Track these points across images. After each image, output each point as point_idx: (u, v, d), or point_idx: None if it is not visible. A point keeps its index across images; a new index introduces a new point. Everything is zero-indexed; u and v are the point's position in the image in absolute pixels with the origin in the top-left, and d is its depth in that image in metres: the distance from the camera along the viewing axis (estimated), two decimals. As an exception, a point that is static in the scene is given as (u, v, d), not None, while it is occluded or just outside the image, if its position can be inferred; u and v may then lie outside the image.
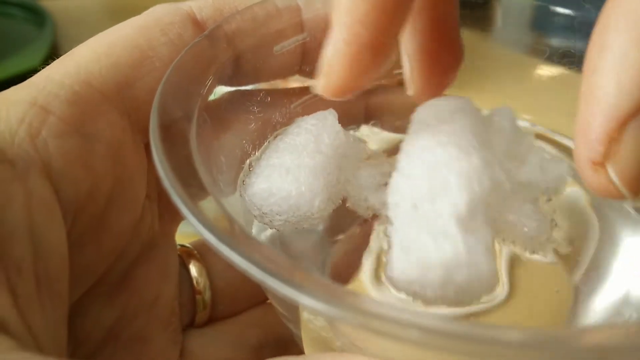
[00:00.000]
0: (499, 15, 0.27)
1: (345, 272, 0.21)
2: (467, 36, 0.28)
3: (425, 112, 0.20)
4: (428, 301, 0.17)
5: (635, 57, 0.13)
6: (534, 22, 0.27)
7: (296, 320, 0.20)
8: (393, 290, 0.17)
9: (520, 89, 0.29)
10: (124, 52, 0.20)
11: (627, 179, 0.14)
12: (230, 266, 0.25)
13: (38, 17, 0.70)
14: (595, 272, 0.21)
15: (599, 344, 0.12)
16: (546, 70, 0.27)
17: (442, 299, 0.17)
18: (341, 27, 0.17)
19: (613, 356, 0.12)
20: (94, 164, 0.19)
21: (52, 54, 0.20)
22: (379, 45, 0.17)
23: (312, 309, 0.13)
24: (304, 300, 0.13)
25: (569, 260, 0.21)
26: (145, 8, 0.22)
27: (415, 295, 0.17)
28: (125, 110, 0.20)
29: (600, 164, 0.14)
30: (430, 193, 0.17)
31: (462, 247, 0.16)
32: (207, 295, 0.25)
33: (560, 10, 0.25)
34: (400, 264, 0.17)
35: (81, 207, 0.19)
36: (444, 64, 0.21)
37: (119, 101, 0.20)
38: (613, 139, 0.14)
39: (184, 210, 0.15)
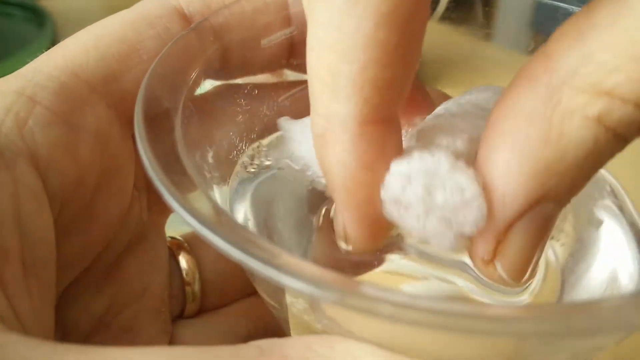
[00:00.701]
0: (499, 15, 0.27)
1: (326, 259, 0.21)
2: (467, 36, 0.28)
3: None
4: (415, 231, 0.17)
5: (516, 171, 0.15)
6: (534, 22, 0.27)
7: (283, 308, 0.20)
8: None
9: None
10: (111, 45, 0.20)
11: (511, 271, 0.16)
12: (219, 258, 0.26)
13: (38, 17, 0.71)
14: (581, 253, 0.21)
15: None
16: None
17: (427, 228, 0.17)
18: (348, 210, 0.17)
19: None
20: (80, 154, 0.19)
21: (44, 52, 0.21)
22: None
23: (291, 288, 0.13)
24: (283, 279, 0.13)
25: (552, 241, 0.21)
26: None
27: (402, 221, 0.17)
28: (113, 102, 0.21)
29: (488, 261, 0.16)
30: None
31: (445, 164, 0.16)
32: (197, 286, 0.25)
33: (561, 8, 0.25)
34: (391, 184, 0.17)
35: (68, 196, 0.19)
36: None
37: (106, 93, 0.20)
38: (500, 240, 0.16)
39: (167, 196, 0.15)
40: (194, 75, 0.21)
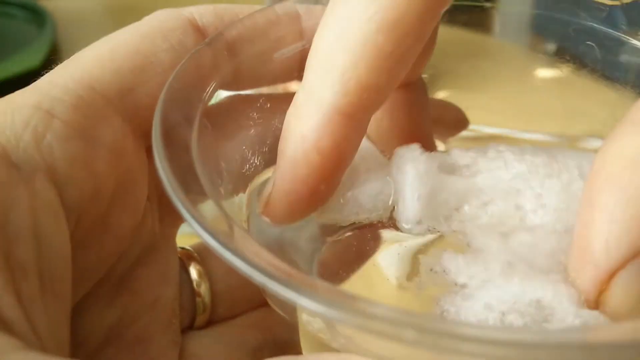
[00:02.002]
0: (499, 15, 0.28)
1: (333, 272, 0.22)
2: (467, 37, 0.28)
3: None
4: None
5: (620, 217, 0.14)
6: (534, 23, 0.27)
7: (294, 322, 0.20)
8: None
9: (520, 90, 0.29)
10: (126, 58, 0.21)
11: (617, 316, 0.16)
12: (230, 269, 0.26)
13: (38, 17, 0.71)
14: None
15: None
16: (546, 72, 0.28)
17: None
18: (283, 179, 0.19)
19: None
20: (96, 167, 0.19)
21: (52, 54, 0.21)
22: (317, 194, 0.19)
23: (310, 310, 0.13)
24: (303, 302, 0.13)
25: None
26: (145, 8, 0.23)
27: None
28: (127, 115, 0.21)
29: (592, 304, 0.16)
30: None
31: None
32: (207, 297, 0.26)
33: (558, 15, 0.25)
34: None
35: (84, 210, 0.19)
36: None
37: (121, 106, 0.20)
38: (603, 288, 0.15)
39: (186, 215, 0.16)
40: (209, 90, 0.21)
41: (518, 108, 0.29)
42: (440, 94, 0.31)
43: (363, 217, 0.21)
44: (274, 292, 0.14)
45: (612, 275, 0.15)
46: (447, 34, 0.28)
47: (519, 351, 0.12)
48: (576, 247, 0.16)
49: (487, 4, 0.27)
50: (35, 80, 0.20)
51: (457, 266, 0.18)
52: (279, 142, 0.19)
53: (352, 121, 0.18)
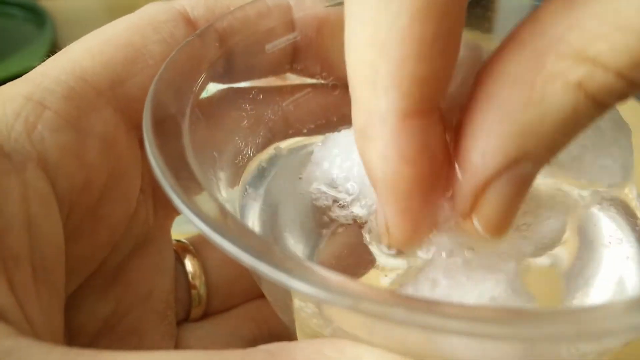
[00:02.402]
0: (499, 15, 0.28)
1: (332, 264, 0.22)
2: (467, 36, 0.28)
3: None
4: None
5: (496, 131, 0.15)
6: None
7: (290, 312, 0.20)
8: None
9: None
10: (117, 50, 0.21)
11: (488, 227, 0.17)
12: (225, 261, 0.26)
13: (38, 17, 0.71)
14: (587, 256, 0.21)
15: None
16: None
17: None
18: (390, 205, 0.17)
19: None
20: (88, 158, 0.20)
21: (52, 54, 0.21)
22: (429, 202, 0.18)
23: (300, 291, 0.13)
24: (293, 283, 0.13)
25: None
26: None
27: None
28: (119, 107, 0.21)
29: (466, 215, 0.17)
30: None
31: None
32: (203, 290, 0.26)
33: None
34: None
35: (76, 200, 0.19)
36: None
37: (112, 97, 0.21)
38: (477, 197, 0.16)
39: (176, 201, 0.16)
40: (200, 80, 0.21)
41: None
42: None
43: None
44: (264, 274, 0.14)
45: (487, 184, 0.16)
46: None
47: (507, 329, 0.13)
48: (459, 160, 0.16)
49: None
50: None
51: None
52: (367, 174, 0.18)
53: (422, 118, 0.16)
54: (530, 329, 0.13)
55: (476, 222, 0.17)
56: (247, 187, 0.22)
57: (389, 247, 0.19)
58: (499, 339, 0.13)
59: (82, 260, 0.21)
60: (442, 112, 0.17)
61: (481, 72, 0.16)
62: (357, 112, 0.17)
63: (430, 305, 0.13)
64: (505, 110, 0.15)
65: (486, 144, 0.15)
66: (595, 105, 0.14)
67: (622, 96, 0.14)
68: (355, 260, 0.21)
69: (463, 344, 0.15)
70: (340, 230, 0.22)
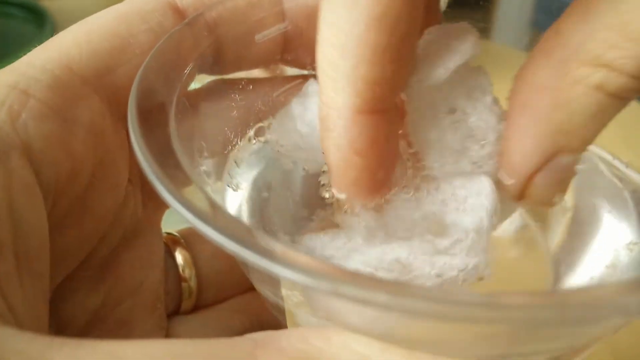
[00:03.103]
0: (499, 14, 0.28)
1: None
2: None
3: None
4: None
5: (532, 133, 0.18)
6: (533, 21, 0.27)
7: (279, 304, 0.20)
8: None
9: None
10: (104, 39, 0.21)
11: (541, 204, 0.19)
12: (216, 254, 0.26)
13: (38, 17, 0.71)
14: (575, 240, 0.21)
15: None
16: None
17: None
18: (337, 188, 0.20)
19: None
20: (74, 147, 0.19)
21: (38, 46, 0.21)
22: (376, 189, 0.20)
23: (284, 278, 0.13)
24: (277, 269, 0.13)
25: (544, 229, 0.21)
26: None
27: None
28: (106, 96, 0.21)
29: (520, 199, 0.19)
30: None
31: None
32: (193, 282, 0.26)
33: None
34: None
35: (61, 189, 0.19)
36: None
37: (99, 87, 0.20)
38: (525, 188, 0.19)
39: (160, 189, 0.16)
40: (188, 70, 0.21)
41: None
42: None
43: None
44: (248, 261, 0.14)
45: (531, 179, 0.18)
46: None
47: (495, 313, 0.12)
48: (504, 160, 0.19)
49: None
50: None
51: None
52: (325, 161, 0.20)
53: (375, 115, 0.18)
54: (516, 313, 0.13)
55: (528, 202, 0.19)
56: (235, 176, 0.22)
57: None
58: (481, 322, 0.13)
59: (69, 250, 0.21)
60: (400, 111, 0.20)
61: (516, 81, 0.18)
62: (321, 104, 0.19)
63: (410, 289, 0.13)
64: (538, 114, 0.17)
65: (524, 145, 0.18)
66: (616, 101, 0.17)
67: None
68: None
69: (445, 327, 0.15)
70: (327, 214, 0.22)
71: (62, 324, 0.22)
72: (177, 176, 0.17)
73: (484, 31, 0.27)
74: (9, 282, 0.17)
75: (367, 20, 0.17)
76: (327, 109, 0.19)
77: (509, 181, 0.19)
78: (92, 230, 0.21)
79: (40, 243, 0.18)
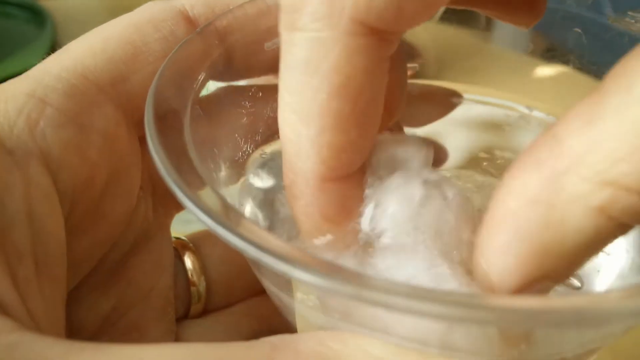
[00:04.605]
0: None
1: None
2: (467, 36, 0.29)
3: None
4: None
5: (515, 252, 0.15)
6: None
7: (291, 307, 0.21)
8: None
9: (520, 89, 0.30)
10: (118, 48, 0.21)
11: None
12: (225, 259, 0.27)
13: (38, 17, 0.72)
14: None
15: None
16: (546, 69, 0.28)
17: None
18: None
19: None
20: (90, 154, 0.20)
21: (52, 54, 0.22)
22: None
23: (306, 282, 0.14)
24: (296, 273, 0.14)
25: None
26: None
27: None
28: (120, 103, 0.22)
29: None
30: None
31: None
32: (202, 287, 0.26)
33: (560, 10, 0.26)
34: None
35: (78, 196, 0.20)
36: None
37: (113, 94, 0.21)
38: None
39: (179, 195, 0.16)
40: (200, 78, 0.22)
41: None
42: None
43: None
44: (268, 265, 0.14)
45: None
46: (447, 34, 0.28)
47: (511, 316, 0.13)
48: (477, 274, 0.17)
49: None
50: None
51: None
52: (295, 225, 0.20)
53: (341, 182, 0.18)
54: (533, 317, 0.13)
55: None
56: (247, 182, 0.23)
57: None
58: (497, 325, 0.14)
59: (84, 256, 0.21)
60: (363, 173, 0.19)
61: (500, 188, 0.16)
62: (285, 170, 0.19)
63: (430, 293, 0.14)
64: (525, 230, 0.15)
65: (505, 263, 0.16)
66: (618, 227, 0.14)
67: None
68: None
69: (461, 331, 0.15)
70: None
71: (73, 328, 0.23)
72: (194, 182, 0.18)
73: (483, 32, 0.28)
74: (29, 288, 0.17)
75: (329, 88, 0.17)
76: (293, 176, 0.18)
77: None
78: (105, 235, 0.22)
79: (58, 249, 0.19)
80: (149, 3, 0.23)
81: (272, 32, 0.24)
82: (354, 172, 0.19)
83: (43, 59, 0.20)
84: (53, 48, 0.67)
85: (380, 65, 0.18)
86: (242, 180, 0.23)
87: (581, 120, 0.15)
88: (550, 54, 0.26)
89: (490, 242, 0.16)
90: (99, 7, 0.78)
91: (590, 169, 0.14)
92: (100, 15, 0.74)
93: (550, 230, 0.15)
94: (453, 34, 0.29)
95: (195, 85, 0.21)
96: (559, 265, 0.15)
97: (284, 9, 0.18)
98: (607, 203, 0.14)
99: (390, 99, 0.19)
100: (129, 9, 0.24)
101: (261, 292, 0.27)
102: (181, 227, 0.28)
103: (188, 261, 0.26)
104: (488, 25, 0.28)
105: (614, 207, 0.14)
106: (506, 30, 0.28)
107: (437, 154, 0.28)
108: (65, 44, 0.22)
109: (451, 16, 0.28)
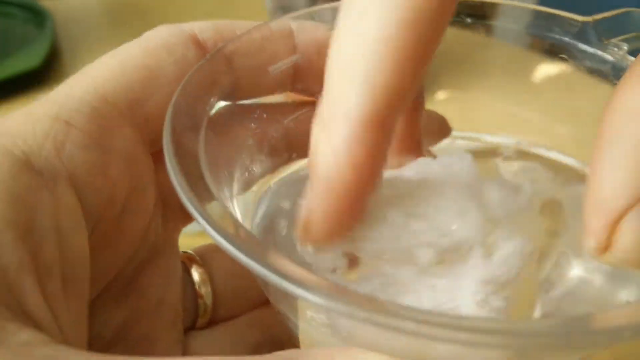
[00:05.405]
0: (499, 16, 0.29)
1: None
2: (467, 36, 0.30)
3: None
4: None
5: (625, 164, 0.16)
6: (533, 23, 0.29)
7: (294, 320, 0.22)
8: None
9: (520, 89, 0.31)
10: (134, 72, 0.23)
11: (627, 259, 0.17)
12: (231, 272, 0.28)
13: (38, 17, 0.73)
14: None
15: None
16: (547, 69, 0.29)
17: None
18: (320, 201, 0.19)
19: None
20: (112, 174, 0.22)
21: (52, 54, 0.23)
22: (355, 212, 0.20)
23: (318, 304, 0.15)
24: (313, 298, 0.15)
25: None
26: (145, 9, 0.24)
27: None
28: (138, 125, 0.23)
29: (604, 250, 0.17)
30: None
31: None
32: (209, 299, 0.28)
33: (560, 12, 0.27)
34: None
35: (101, 214, 0.22)
36: None
37: (131, 116, 0.23)
38: (612, 231, 0.17)
39: (198, 216, 0.17)
40: (212, 102, 0.23)
41: (519, 106, 0.30)
42: (440, 94, 0.32)
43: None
44: (282, 288, 0.15)
45: (621, 217, 0.16)
46: (447, 34, 0.29)
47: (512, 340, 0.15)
48: (589, 196, 0.17)
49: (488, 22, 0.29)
50: (35, 80, 0.22)
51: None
52: (309, 159, 0.19)
53: (382, 129, 0.18)
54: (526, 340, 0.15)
55: (614, 255, 0.17)
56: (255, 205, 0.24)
57: (300, 242, 0.21)
58: (503, 348, 0.16)
59: (103, 271, 0.23)
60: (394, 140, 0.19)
61: (608, 106, 0.17)
62: (326, 100, 0.18)
63: (440, 317, 0.15)
64: (632, 144, 0.16)
65: (616, 178, 0.16)
66: None
67: None
68: None
69: (463, 353, 0.17)
70: None
71: (88, 340, 0.24)
72: (209, 201, 0.19)
73: (484, 32, 0.29)
74: (57, 303, 0.19)
75: (400, 22, 0.17)
76: (333, 107, 0.18)
77: (594, 224, 0.17)
78: (124, 250, 0.24)
79: (83, 265, 0.21)
80: (159, 27, 0.25)
81: (276, 56, 0.25)
82: (392, 123, 0.18)
83: (43, 59, 0.22)
84: (53, 48, 0.68)
85: (450, 5, 0.18)
86: (249, 201, 0.24)
87: None
88: (567, 58, 0.27)
89: (603, 160, 0.16)
90: (99, 7, 0.79)
91: None
92: (101, 16, 0.75)
93: None
94: (453, 33, 0.30)
95: (207, 110, 0.23)
96: None
97: None
98: None
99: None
100: (128, 9, 0.25)
101: (265, 303, 0.29)
102: (190, 240, 0.29)
103: (195, 274, 0.28)
104: (488, 25, 0.29)
105: None
106: (507, 31, 0.29)
107: (440, 127, 0.29)
108: (65, 44, 0.23)
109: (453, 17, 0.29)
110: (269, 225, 0.24)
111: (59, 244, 0.19)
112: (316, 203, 0.19)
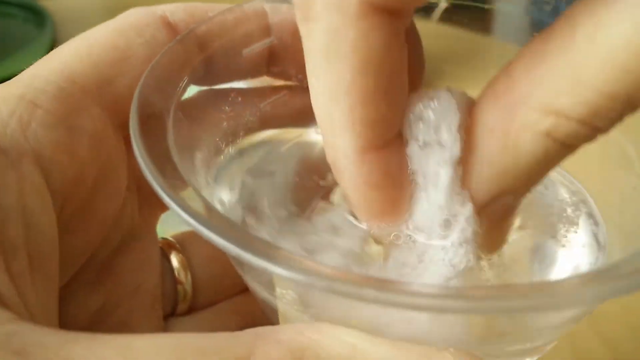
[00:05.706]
0: (499, 15, 0.29)
1: None
2: (467, 36, 0.30)
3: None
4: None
5: (480, 172, 0.19)
6: (533, 22, 0.28)
7: (272, 303, 0.22)
8: None
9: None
10: (103, 52, 0.23)
11: (483, 244, 0.20)
12: (210, 258, 0.28)
13: (38, 17, 0.74)
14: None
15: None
16: None
17: None
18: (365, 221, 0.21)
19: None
20: (79, 153, 0.22)
21: (41, 59, 0.23)
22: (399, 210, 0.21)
23: (280, 275, 0.15)
24: (273, 268, 0.15)
25: None
26: None
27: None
28: (106, 105, 0.23)
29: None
30: None
31: None
32: (188, 285, 0.28)
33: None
34: None
35: (68, 194, 0.22)
36: None
37: (99, 97, 0.23)
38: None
39: (164, 197, 0.18)
40: (182, 84, 0.23)
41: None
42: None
43: None
44: (248, 262, 0.16)
45: (479, 212, 0.20)
46: (447, 33, 0.29)
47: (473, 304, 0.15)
48: (465, 187, 0.20)
49: (486, 6, 0.28)
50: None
51: None
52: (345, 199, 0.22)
53: (379, 151, 0.20)
54: (489, 303, 0.15)
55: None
56: (227, 181, 0.24)
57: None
58: (464, 313, 0.16)
59: (74, 253, 0.23)
60: (401, 138, 0.20)
61: (470, 120, 0.19)
62: (326, 149, 0.21)
63: (397, 285, 0.15)
64: (485, 156, 0.19)
65: (474, 183, 0.19)
66: (563, 148, 0.18)
67: (587, 138, 0.17)
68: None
69: (426, 319, 0.17)
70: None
71: (64, 325, 0.24)
72: (177, 184, 0.19)
73: (484, 31, 0.29)
74: (23, 281, 0.19)
75: (351, 69, 0.18)
76: (334, 152, 0.20)
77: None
78: (95, 233, 0.24)
79: (50, 244, 0.21)
80: (131, 10, 0.25)
81: (250, 38, 0.25)
82: (391, 139, 0.20)
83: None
84: (53, 48, 0.68)
85: (397, 39, 0.19)
86: (222, 178, 0.24)
87: (530, 60, 0.18)
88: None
89: (466, 165, 0.20)
90: (99, 7, 0.80)
91: (537, 101, 0.17)
92: (100, 16, 0.75)
93: (506, 154, 0.18)
94: (453, 33, 0.30)
95: (177, 91, 0.23)
96: (516, 183, 0.19)
97: (296, 3, 0.19)
98: (552, 128, 0.17)
99: (411, 69, 0.20)
100: (128, 8, 0.25)
101: (245, 290, 0.29)
102: (171, 228, 0.29)
103: (174, 260, 0.28)
104: (488, 24, 0.29)
105: (557, 132, 0.17)
106: (507, 30, 0.29)
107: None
108: (65, 44, 0.23)
109: (451, 15, 0.29)
110: (251, 204, 0.24)
111: (24, 223, 0.19)
112: (364, 223, 0.22)
